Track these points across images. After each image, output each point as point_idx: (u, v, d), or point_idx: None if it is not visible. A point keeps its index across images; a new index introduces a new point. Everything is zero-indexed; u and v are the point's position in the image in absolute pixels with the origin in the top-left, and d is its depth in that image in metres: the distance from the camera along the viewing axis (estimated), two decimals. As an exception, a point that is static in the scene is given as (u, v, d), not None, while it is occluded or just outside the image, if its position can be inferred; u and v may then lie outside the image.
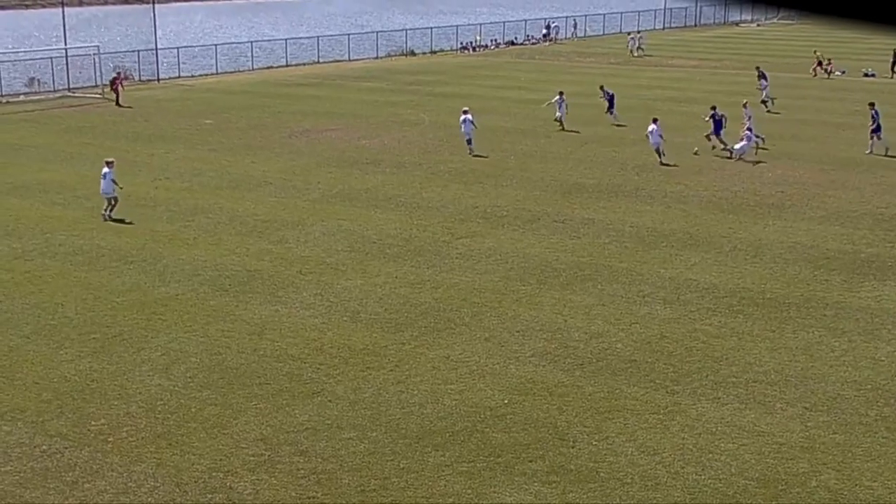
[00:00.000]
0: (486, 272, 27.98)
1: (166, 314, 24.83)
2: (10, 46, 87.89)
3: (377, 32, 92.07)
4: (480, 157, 42.83)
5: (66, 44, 68.37)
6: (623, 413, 19.40)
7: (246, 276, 27.64)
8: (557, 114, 49.15)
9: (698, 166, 41.22)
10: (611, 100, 51.56)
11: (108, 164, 33.50)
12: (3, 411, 19.71)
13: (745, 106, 44.76)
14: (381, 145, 45.68)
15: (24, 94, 62.44)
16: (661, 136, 41.37)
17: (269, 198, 36.38)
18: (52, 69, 65.45)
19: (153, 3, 76.67)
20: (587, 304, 25.50)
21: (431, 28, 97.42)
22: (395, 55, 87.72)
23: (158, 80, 69.88)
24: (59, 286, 26.92)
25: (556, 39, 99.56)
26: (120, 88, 58.86)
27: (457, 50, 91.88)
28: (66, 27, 68.21)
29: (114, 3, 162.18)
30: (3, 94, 61.15)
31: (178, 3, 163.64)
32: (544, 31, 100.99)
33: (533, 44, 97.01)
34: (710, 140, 43.23)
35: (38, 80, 64.06)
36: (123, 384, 20.85)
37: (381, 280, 27.35)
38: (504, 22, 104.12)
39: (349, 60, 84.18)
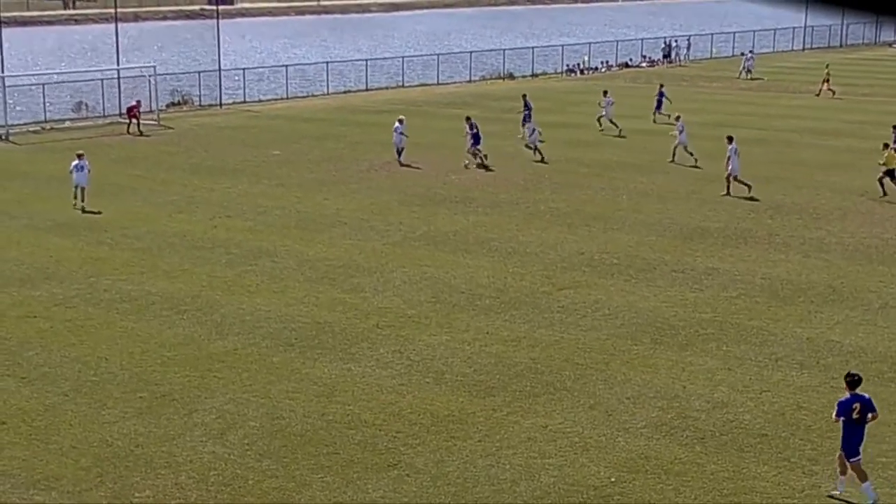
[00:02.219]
0: (591, 329, 27.78)
1: (223, 371, 25.01)
2: (56, 66, 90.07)
3: (471, 53, 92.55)
4: (411, 167, 43.12)
5: (118, 63, 69.66)
6: (751, 496, 19.05)
7: (314, 330, 27.76)
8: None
9: (842, 209, 40.65)
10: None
11: (80, 156, 39.99)
12: (36, 479, 19.98)
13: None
14: (473, 181, 45.77)
15: (71, 119, 63.73)
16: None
17: (343, 240, 36.60)
18: (103, 92, 66.73)
19: (217, 17, 78.11)
20: (710, 367, 25.17)
21: (533, 48, 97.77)
22: (491, 79, 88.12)
23: (221, 105, 70.99)
24: (104, 337, 27.29)
25: (678, 61, 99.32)
26: (136, 119, 59.25)
27: (562, 73, 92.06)
28: (119, 45, 69.49)
29: (173, 18, 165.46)
30: (47, 119, 62.46)
31: (246, 19, 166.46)
32: (664, 51, 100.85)
33: (650, 66, 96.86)
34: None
35: (86, 105, 65.36)
36: (172, 451, 21.00)
37: (470, 336, 27.28)
38: (617, 41, 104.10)
39: (438, 84, 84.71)
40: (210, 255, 34.79)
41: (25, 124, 61.80)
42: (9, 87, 60.29)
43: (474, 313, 28.98)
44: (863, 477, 18.60)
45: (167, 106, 69.19)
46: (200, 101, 71.71)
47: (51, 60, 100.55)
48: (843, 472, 18.88)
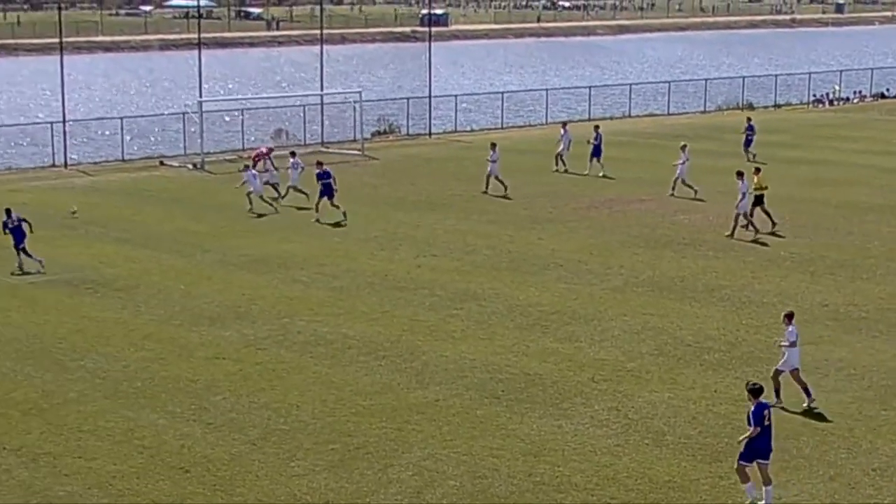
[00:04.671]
0: (834, 390, 27.12)
1: (422, 424, 25.17)
2: (256, 92, 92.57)
3: (706, 80, 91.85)
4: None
5: (321, 88, 71.07)
6: None
7: (523, 382, 27.74)
8: None
9: None
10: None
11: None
12: (218, 533, 20.38)
13: None
14: (704, 221, 45.23)
15: (271, 148, 65.21)
16: None
17: (557, 283, 36.56)
18: (304, 119, 68.22)
19: (429, 40, 79.20)
20: (972, 439, 24.32)
21: (775, 76, 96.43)
22: (728, 109, 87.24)
23: (430, 134, 71.87)
24: (296, 383, 27.77)
25: None
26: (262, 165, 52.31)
27: (808, 104, 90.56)
28: (324, 68, 70.91)
29: (382, 41, 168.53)
30: (245, 147, 64.04)
31: (460, 42, 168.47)
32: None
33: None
34: None
35: (287, 132, 66.87)
36: (364, 508, 21.21)
37: (696, 394, 26.91)
38: (872, 69, 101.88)
39: (668, 115, 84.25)
40: (412, 296, 35.11)
41: (222, 152, 63.56)
42: (206, 112, 61.94)
43: (701, 369, 28.58)
44: (769, 481, 21.33)
45: (372, 135, 70.40)
46: (408, 129, 72.70)
47: (247, 86, 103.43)
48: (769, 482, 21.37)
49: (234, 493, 21.91)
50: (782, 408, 25.41)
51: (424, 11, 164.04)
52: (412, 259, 39.61)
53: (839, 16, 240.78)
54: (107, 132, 72.23)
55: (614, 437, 24.48)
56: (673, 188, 50.08)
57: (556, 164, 57.15)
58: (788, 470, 22.76)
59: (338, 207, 45.35)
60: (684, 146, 50.95)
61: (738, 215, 42.49)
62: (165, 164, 60.64)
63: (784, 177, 54.77)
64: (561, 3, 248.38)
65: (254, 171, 48.53)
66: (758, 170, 44.81)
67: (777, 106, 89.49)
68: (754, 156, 59.39)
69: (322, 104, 69.16)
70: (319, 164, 46.71)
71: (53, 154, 61.37)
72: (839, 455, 23.53)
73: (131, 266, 38.85)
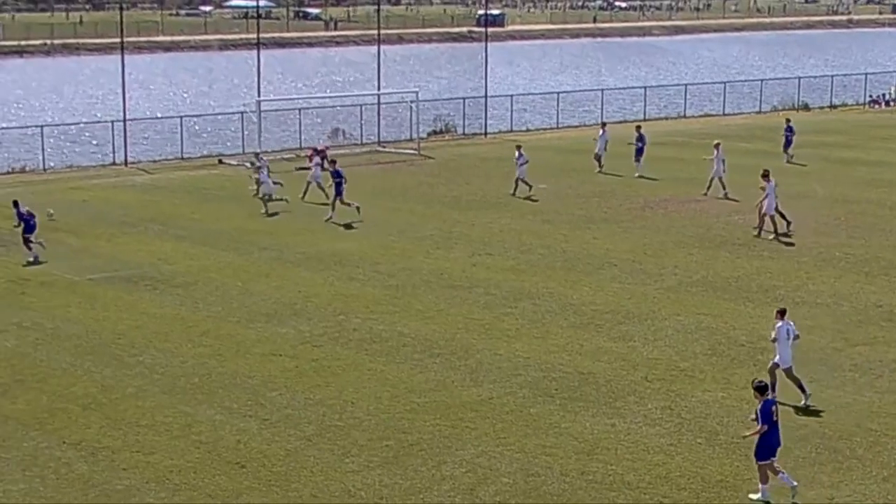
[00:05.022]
0: (888, 391, 26.95)
1: (476, 421, 25.20)
2: (315, 91, 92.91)
3: (761, 81, 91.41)
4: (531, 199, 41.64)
5: (378, 88, 71.26)
6: None
7: (577, 380, 27.72)
8: None
9: None
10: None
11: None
12: (274, 527, 20.49)
13: None
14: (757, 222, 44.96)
15: (327, 147, 65.40)
16: None
17: (611, 283, 36.49)
18: (361, 118, 68.43)
19: (485, 40, 79.23)
20: None
21: (832, 76, 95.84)
22: (784, 109, 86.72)
23: (486, 134, 71.91)
24: (351, 380, 27.87)
25: None
26: (318, 167, 49.91)
27: (864, 104, 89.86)
28: (381, 68, 71.07)
29: (439, 41, 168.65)
30: (302, 146, 64.24)
31: (517, 42, 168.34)
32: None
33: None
34: None
35: (344, 132, 67.11)
36: (417, 505, 21.27)
37: (749, 394, 26.51)
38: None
39: (723, 115, 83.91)
40: (468, 295, 35.15)
41: (279, 151, 63.81)
42: (264, 111, 62.21)
43: (755, 369, 28.39)
44: (766, 479, 21.42)
45: (428, 134, 70.51)
46: (464, 129, 72.79)
47: (303, 86, 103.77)
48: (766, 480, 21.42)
49: (290, 489, 22.01)
50: (806, 405, 25.74)
51: (481, 12, 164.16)
52: (467, 258, 39.64)
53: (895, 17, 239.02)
54: (166, 131, 72.62)
55: (667, 436, 24.42)
56: (708, 187, 50.14)
57: (599, 165, 57.07)
58: (841, 471, 22.62)
59: (349, 205, 45.40)
60: (717, 144, 50.63)
61: (766, 215, 42.24)
62: (224, 163, 60.97)
63: (839, 177, 54.47)
64: (617, 3, 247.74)
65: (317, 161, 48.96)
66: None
67: (833, 107, 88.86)
68: (792, 157, 59.03)
69: (379, 104, 69.28)
70: (333, 162, 46.75)
71: (114, 152, 61.82)
72: (893, 456, 23.35)
73: (189, 263, 39.10)
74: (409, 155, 62.73)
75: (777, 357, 26.18)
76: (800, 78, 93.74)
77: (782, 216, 42.79)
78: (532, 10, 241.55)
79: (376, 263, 38.90)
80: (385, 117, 69.16)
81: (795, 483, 21.32)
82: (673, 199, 49.71)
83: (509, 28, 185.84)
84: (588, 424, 25.02)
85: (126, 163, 61.19)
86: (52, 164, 62.35)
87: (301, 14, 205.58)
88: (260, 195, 48.89)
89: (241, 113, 66.21)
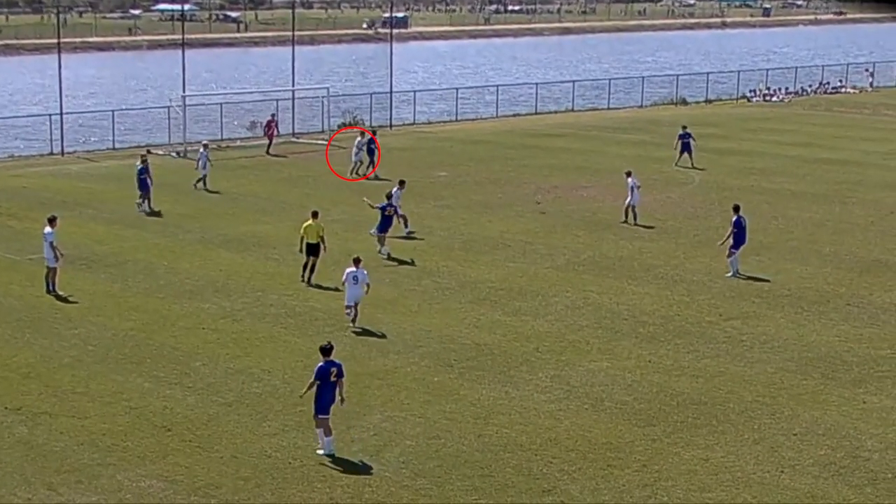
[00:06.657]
0: (758, 361, 27.21)
1: (381, 389, 25.15)
2: (234, 87, 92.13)
3: (643, 77, 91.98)
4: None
5: (293, 85, 71.02)
6: (920, 540, 18.37)
7: (474, 351, 27.74)
8: None
9: None
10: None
11: (50, 221, 33.48)
12: (197, 486, 20.43)
13: None
14: (641, 207, 45.20)
15: (244, 139, 64.94)
16: None
17: (506, 262, 36.52)
18: (277, 113, 67.94)
19: (391, 40, 78.91)
20: (884, 406, 24.47)
21: (707, 73, 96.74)
22: (663, 104, 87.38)
23: (391, 126, 71.66)
24: (268, 351, 27.70)
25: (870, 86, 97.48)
26: (274, 134, 60.81)
27: (737, 99, 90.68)
28: (296, 68, 70.75)
29: (348, 41, 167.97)
30: (223, 138, 63.77)
31: (420, 42, 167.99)
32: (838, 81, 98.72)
33: (831, 92, 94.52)
34: None
35: (260, 124, 66.50)
36: (328, 466, 21.20)
37: (632, 364, 26.95)
38: (796, 67, 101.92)
39: (608, 109, 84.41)
40: (374, 273, 34.81)
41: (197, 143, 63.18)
42: (188, 105, 61.72)
43: (637, 341, 28.62)
44: (328, 432, 21.66)
45: (339, 127, 70.18)
46: (371, 122, 72.49)
47: (227, 81, 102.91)
48: (329, 433, 21.68)
49: (212, 450, 21.90)
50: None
51: (387, 15, 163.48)
52: (373, 239, 39.43)
53: (766, 19, 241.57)
54: (99, 125, 71.61)
55: (556, 402, 24.51)
56: (625, 216, 43.46)
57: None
58: (715, 434, 22.84)
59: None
60: (629, 172, 43.84)
61: (630, 207, 42.32)
62: (152, 153, 60.20)
63: (714, 166, 54.91)
64: (511, 7, 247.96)
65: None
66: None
67: (709, 101, 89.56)
68: (695, 166, 55.00)
69: (293, 99, 69.15)
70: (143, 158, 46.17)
71: (52, 143, 61.06)
72: (763, 421, 23.61)
73: (121, 244, 38.64)
74: (321, 146, 62.39)
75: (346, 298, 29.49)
76: (678, 75, 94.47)
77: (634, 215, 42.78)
78: (434, 12, 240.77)
79: (291, 244, 38.50)
80: (299, 112, 68.90)
81: (333, 453, 21.68)
82: (562, 186, 49.83)
83: (412, 30, 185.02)
84: (484, 392, 25.05)
85: (63, 152, 60.40)
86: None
87: (222, 17, 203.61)
88: (200, 177, 48.56)
89: (168, 107, 65.53)
